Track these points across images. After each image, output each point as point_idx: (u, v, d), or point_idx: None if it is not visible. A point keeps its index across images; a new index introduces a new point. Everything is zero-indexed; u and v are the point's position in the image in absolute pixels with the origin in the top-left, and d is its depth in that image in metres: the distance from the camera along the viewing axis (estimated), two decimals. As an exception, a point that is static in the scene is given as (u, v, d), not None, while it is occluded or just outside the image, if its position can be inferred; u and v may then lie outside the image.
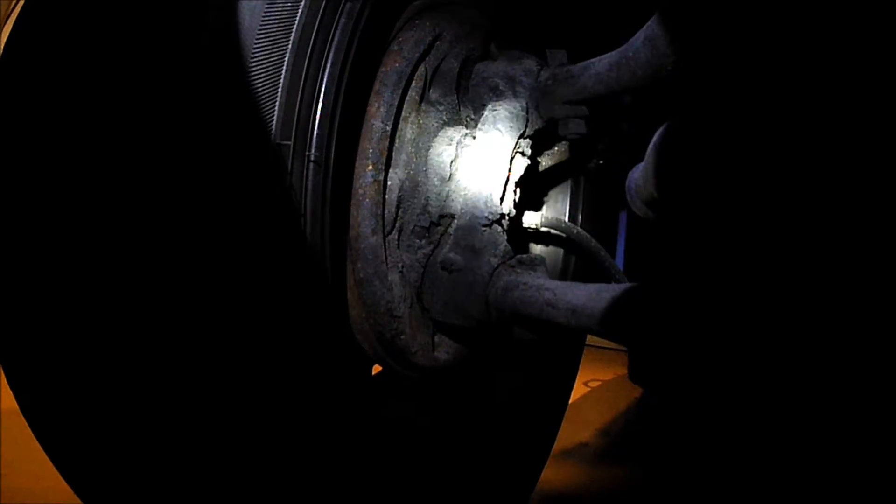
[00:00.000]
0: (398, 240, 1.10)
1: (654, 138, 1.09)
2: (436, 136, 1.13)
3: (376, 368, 1.24)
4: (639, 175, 1.13)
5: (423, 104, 1.12)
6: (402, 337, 1.11)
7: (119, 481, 0.92)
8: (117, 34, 0.81)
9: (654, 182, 1.04)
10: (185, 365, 0.82)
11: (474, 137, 1.15)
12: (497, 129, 1.13)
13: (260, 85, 0.79)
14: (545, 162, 1.36)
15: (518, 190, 1.20)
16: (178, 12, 0.79)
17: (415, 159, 1.10)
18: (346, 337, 1.07)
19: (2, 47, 0.87)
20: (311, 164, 0.84)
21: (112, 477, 0.92)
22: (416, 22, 1.11)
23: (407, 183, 1.09)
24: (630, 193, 1.16)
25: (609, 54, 1.08)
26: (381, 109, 1.03)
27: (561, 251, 1.55)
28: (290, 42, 0.81)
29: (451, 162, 1.12)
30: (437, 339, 1.21)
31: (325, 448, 0.96)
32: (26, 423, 0.92)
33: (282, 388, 0.88)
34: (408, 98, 1.08)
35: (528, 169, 1.21)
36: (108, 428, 0.88)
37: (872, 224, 0.84)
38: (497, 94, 1.17)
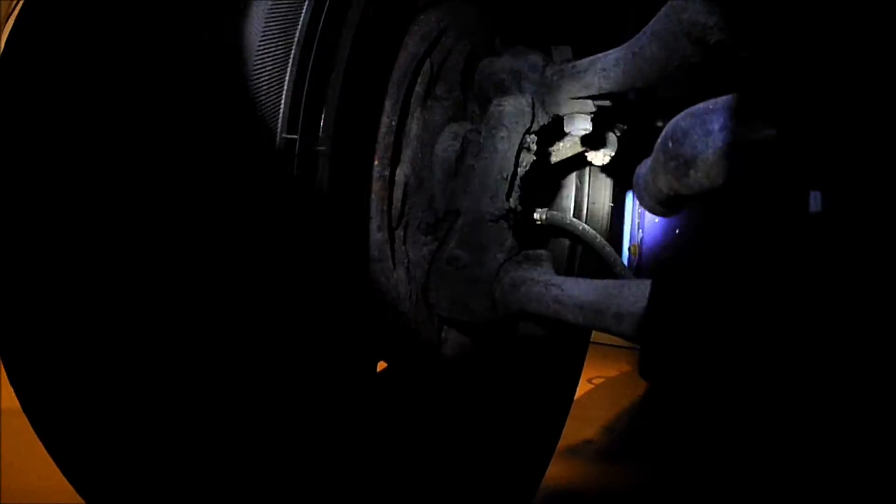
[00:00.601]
0: (404, 236, 1.09)
1: (662, 133, 1.08)
2: (441, 131, 1.12)
3: (381, 364, 1.24)
4: (646, 170, 1.12)
5: (428, 100, 1.11)
6: (408, 333, 1.10)
7: (121, 479, 0.91)
8: (119, 32, 0.80)
9: (663, 177, 1.03)
10: (187, 362, 0.82)
11: (480, 133, 1.14)
12: (503, 124, 1.13)
13: (266, 79, 0.78)
14: (551, 157, 1.35)
15: (524, 185, 1.19)
16: (179, 10, 0.78)
17: (420, 155, 1.09)
18: (351, 332, 1.07)
19: (2, 47, 0.86)
20: (318, 159, 0.83)
21: (114, 475, 0.91)
22: (421, 17, 1.11)
23: (413, 179, 1.08)
24: (637, 188, 1.15)
25: (615, 50, 1.07)
26: (387, 104, 1.02)
27: (567, 247, 1.54)
28: (297, 36, 0.81)
29: (457, 158, 1.12)
30: (442, 335, 1.21)
31: (331, 444, 0.96)
32: (27, 422, 0.91)
33: (287, 384, 0.87)
34: (413, 93, 1.07)
35: (533, 164, 1.20)
36: (110, 425, 0.87)
37: (880, 224, 0.83)
38: (503, 90, 1.16)
